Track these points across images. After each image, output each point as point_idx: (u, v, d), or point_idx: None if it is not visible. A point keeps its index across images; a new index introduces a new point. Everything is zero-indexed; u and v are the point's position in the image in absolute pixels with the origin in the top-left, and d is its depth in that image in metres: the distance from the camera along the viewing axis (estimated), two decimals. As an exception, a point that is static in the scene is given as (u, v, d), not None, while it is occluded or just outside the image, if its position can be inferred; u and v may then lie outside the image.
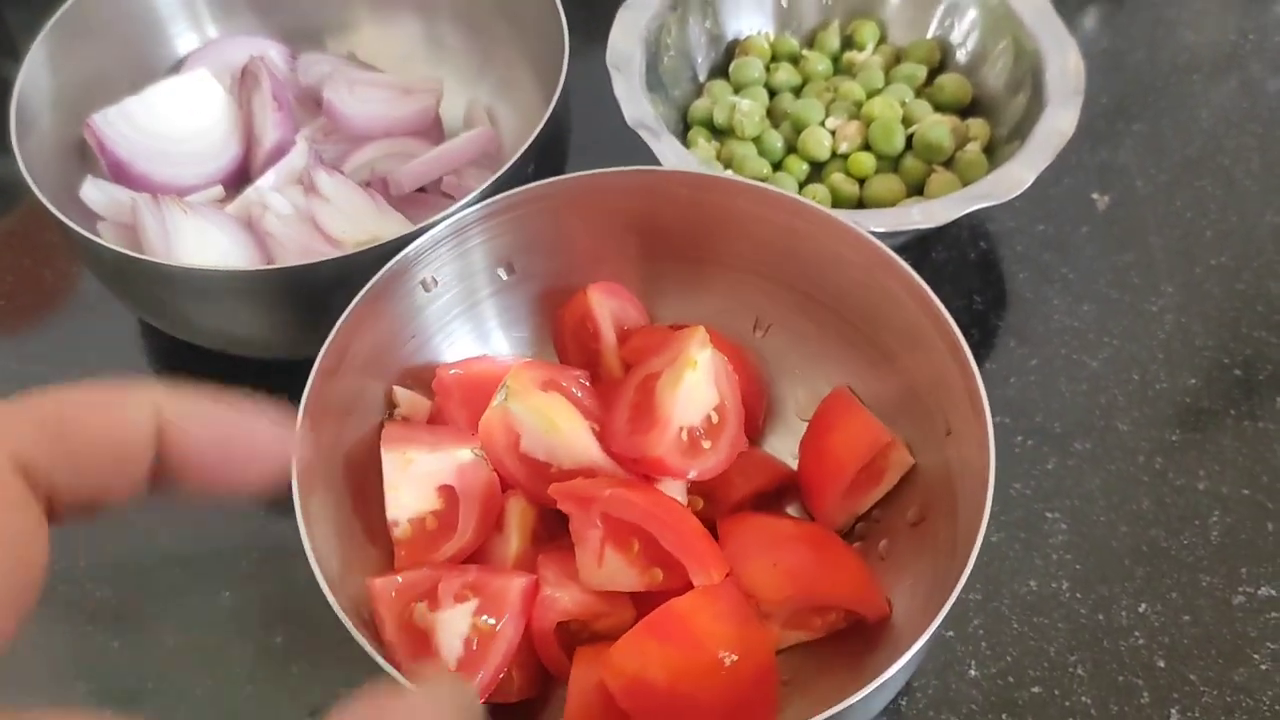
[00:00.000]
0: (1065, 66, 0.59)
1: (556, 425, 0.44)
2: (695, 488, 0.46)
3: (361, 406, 0.47)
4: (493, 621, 0.41)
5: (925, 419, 0.45)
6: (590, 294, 0.51)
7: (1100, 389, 0.57)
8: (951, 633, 0.50)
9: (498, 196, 0.48)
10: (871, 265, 0.46)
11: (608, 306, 0.51)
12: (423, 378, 0.50)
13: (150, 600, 0.52)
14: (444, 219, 0.47)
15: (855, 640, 0.44)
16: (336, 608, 0.37)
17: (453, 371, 0.49)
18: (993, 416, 0.56)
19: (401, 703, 0.23)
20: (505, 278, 0.51)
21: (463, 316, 0.51)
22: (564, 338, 0.52)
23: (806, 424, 0.50)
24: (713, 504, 0.47)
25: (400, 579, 0.43)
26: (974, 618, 0.50)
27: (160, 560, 0.54)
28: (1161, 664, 0.49)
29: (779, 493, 0.50)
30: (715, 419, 0.45)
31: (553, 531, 0.46)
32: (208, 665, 0.50)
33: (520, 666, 0.43)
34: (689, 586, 0.42)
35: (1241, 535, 0.52)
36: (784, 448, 0.51)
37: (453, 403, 0.48)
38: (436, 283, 0.48)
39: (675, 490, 0.45)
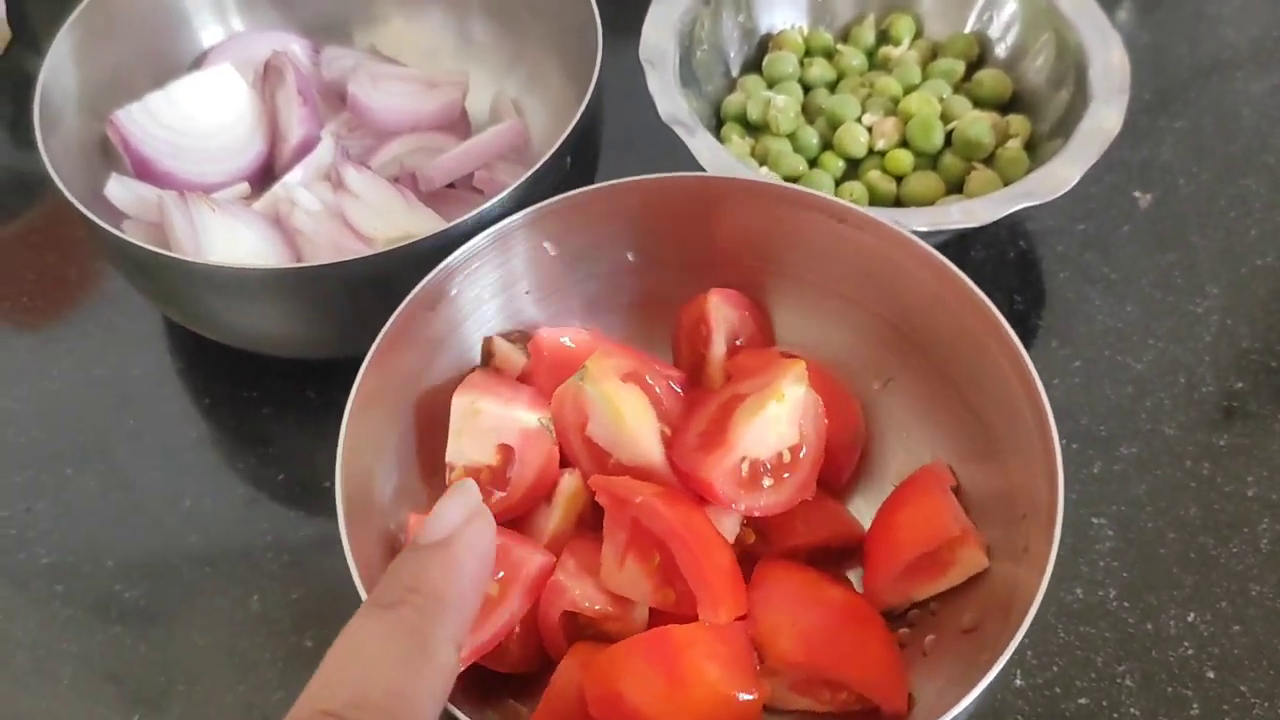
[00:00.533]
0: (1109, 62, 0.58)
1: (623, 417, 0.43)
2: (752, 522, 0.44)
3: (457, 346, 0.47)
4: (497, 590, 0.40)
5: (1013, 527, 0.42)
6: (710, 298, 0.49)
7: (1145, 392, 0.56)
8: (996, 642, 0.49)
9: (636, 178, 0.47)
10: (998, 353, 0.43)
11: (724, 314, 0.49)
12: (526, 336, 0.49)
13: (179, 602, 0.52)
14: (577, 190, 0.47)
15: None
16: (347, 547, 0.38)
17: (550, 336, 0.48)
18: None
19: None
20: (631, 259, 0.50)
21: (579, 287, 0.50)
22: (680, 336, 0.51)
23: None
24: (766, 543, 0.45)
25: None
26: (1019, 626, 0.49)
27: (189, 561, 0.53)
28: (1211, 675, 0.48)
29: (843, 553, 0.47)
30: (786, 458, 0.43)
31: (601, 520, 0.45)
32: (237, 668, 0.49)
33: (521, 641, 0.42)
34: (698, 617, 0.40)
35: (1293, 543, 0.51)
36: (870, 510, 0.47)
37: (543, 367, 0.47)
38: (557, 247, 0.48)
39: (729, 518, 0.43)
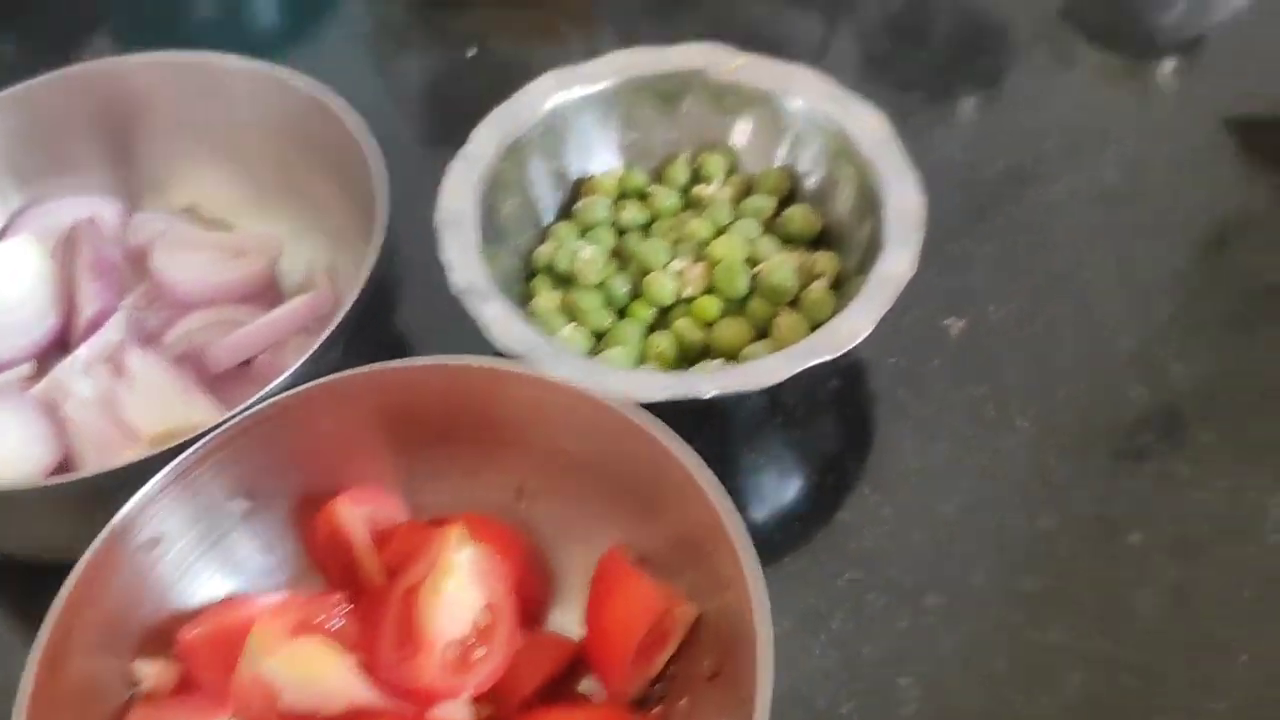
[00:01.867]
0: (904, 203, 0.58)
1: (314, 674, 0.41)
2: (480, 694, 0.44)
3: (101, 692, 0.43)
4: None
5: (706, 564, 0.44)
6: (337, 506, 0.48)
7: (954, 537, 0.55)
8: (800, 821, 0.47)
9: (220, 429, 0.45)
10: (620, 431, 0.45)
11: (359, 514, 0.48)
12: (169, 640, 0.45)
13: None
14: (168, 469, 0.44)
15: None
16: None
17: (195, 631, 0.45)
18: (845, 571, 0.55)
19: None
20: (245, 507, 0.48)
21: (203, 561, 0.47)
22: (319, 555, 0.49)
23: None
24: (502, 705, 0.44)
25: None
26: (824, 803, 0.48)
27: None
28: (1020, 841, 0.47)
29: (570, 669, 0.47)
30: (485, 619, 0.43)
31: None
32: None
33: None
34: None
35: (1098, 692, 0.50)
36: (577, 617, 0.49)
37: (200, 666, 0.44)
38: (159, 541, 0.45)
39: (458, 707, 0.42)
